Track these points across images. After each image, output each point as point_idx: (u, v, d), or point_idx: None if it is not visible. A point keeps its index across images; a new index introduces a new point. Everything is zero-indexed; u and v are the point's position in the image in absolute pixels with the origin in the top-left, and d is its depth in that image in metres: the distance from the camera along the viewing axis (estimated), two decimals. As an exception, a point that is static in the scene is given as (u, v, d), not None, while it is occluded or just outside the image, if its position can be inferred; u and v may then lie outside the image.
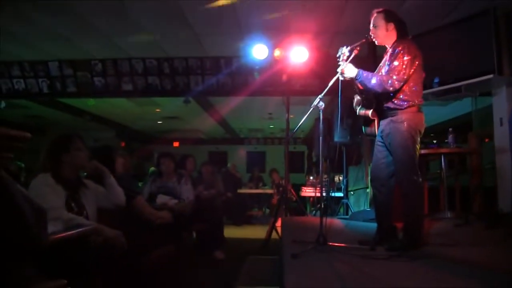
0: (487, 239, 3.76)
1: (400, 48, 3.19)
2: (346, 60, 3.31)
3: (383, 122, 3.38)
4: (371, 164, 3.63)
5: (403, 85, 3.18)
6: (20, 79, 8.06)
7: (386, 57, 3.35)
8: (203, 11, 5.56)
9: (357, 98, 3.59)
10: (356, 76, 3.26)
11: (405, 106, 3.22)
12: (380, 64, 3.47)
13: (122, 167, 4.50)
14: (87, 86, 7.99)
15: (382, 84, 3.15)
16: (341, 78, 3.33)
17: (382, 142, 3.40)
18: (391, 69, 3.18)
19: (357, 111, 3.57)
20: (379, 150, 3.44)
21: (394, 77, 3.12)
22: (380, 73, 3.33)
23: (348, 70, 3.27)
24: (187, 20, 5.86)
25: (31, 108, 11.05)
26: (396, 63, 3.16)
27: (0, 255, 1.25)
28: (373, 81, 3.19)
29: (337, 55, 3.35)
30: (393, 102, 3.26)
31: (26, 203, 1.44)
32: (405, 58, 3.15)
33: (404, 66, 3.14)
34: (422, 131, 3.30)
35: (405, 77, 3.15)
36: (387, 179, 3.37)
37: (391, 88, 3.14)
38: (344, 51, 3.32)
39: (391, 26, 3.35)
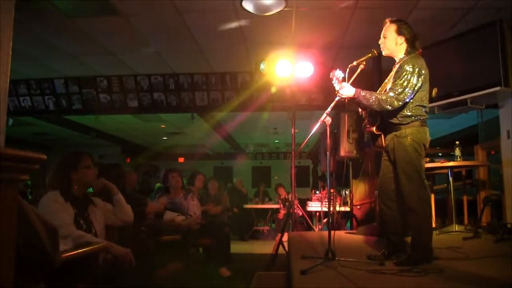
0: (497, 253, 3.73)
1: (406, 67, 3.16)
2: (344, 81, 3.27)
3: (388, 137, 3.35)
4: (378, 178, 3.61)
5: (404, 105, 3.16)
6: (27, 97, 8.11)
7: (392, 72, 3.34)
8: (209, 27, 5.61)
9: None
10: (354, 96, 3.24)
11: (408, 121, 3.21)
12: (386, 79, 3.45)
13: (128, 184, 4.52)
14: (93, 103, 8.03)
15: (380, 103, 3.13)
16: (341, 98, 3.31)
17: (388, 157, 3.39)
18: (393, 88, 3.16)
19: (363, 126, 3.57)
20: (385, 164, 3.42)
21: (394, 97, 3.10)
22: (385, 90, 3.32)
23: (345, 91, 3.25)
24: (193, 36, 5.90)
25: (38, 125, 11.13)
26: (399, 82, 3.14)
27: (15, 273, 1.25)
28: (371, 100, 3.17)
29: (330, 77, 3.31)
30: (397, 117, 3.23)
31: (39, 222, 1.46)
32: (410, 78, 3.12)
33: (406, 87, 3.11)
34: (427, 144, 3.26)
35: (405, 98, 3.12)
36: (394, 193, 3.34)
37: (389, 108, 3.12)
38: (337, 74, 3.28)
39: (402, 39, 3.30)
